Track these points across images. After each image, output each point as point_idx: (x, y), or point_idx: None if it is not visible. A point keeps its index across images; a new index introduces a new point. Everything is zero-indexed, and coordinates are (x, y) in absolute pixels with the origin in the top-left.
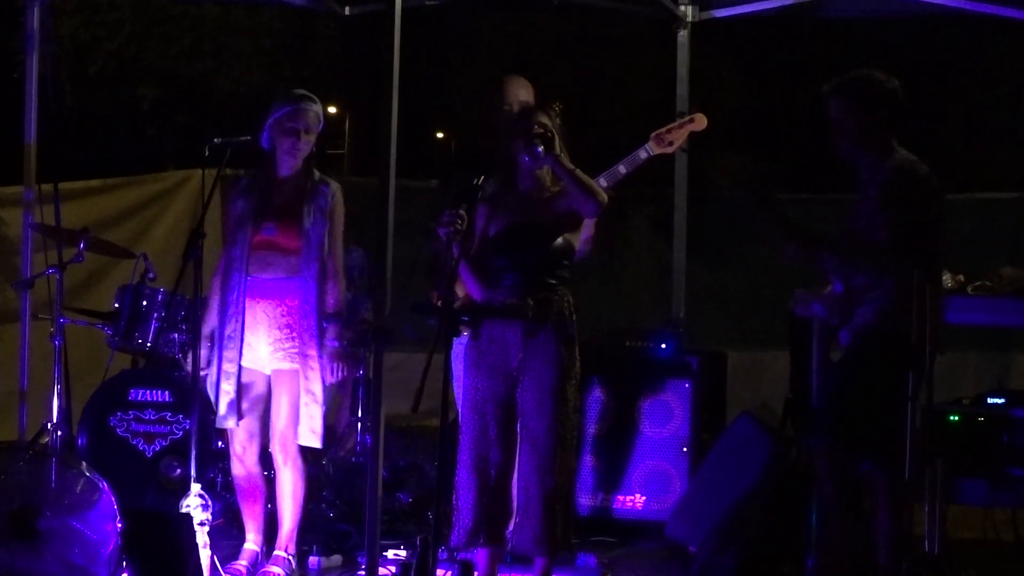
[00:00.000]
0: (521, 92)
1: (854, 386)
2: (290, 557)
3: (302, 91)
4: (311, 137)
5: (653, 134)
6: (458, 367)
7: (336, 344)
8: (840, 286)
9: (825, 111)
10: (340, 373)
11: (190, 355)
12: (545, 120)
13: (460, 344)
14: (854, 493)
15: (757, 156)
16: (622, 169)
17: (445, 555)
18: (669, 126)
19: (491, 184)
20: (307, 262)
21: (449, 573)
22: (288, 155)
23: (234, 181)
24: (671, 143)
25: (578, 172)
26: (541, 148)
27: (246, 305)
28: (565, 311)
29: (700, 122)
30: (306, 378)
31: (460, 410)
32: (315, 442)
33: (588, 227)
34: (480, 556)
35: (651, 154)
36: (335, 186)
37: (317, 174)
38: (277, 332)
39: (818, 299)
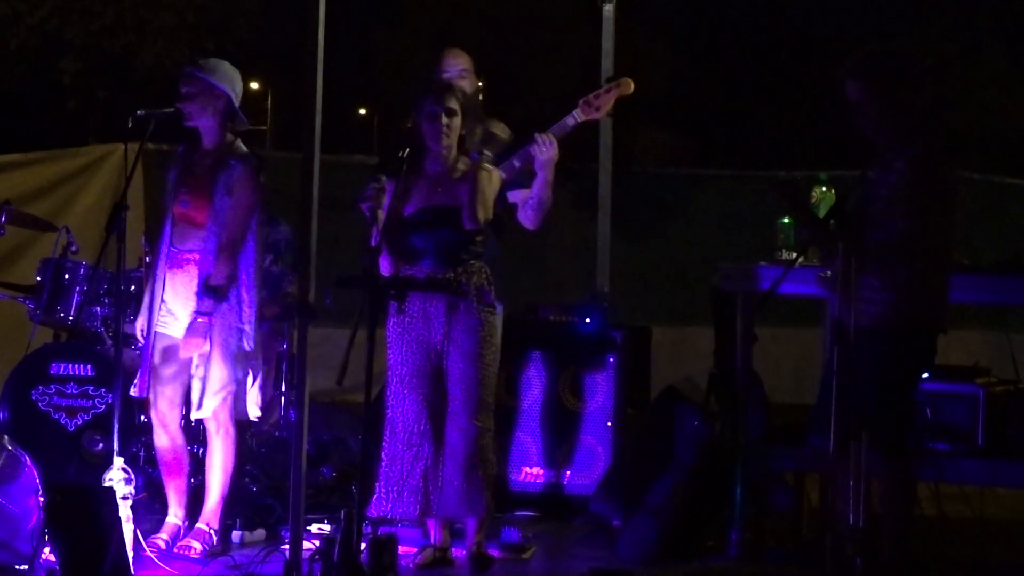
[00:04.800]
0: (457, 59)
1: (866, 385)
2: (212, 531)
3: (200, 60)
4: (201, 102)
5: (581, 100)
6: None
7: (202, 317)
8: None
9: (842, 92)
10: (194, 347)
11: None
12: (458, 109)
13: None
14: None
15: (681, 132)
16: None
17: (369, 529)
18: (596, 91)
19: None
20: (210, 238)
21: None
22: (188, 121)
23: (178, 160)
24: (598, 108)
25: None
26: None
27: (169, 275)
28: (484, 283)
29: (627, 86)
30: (201, 355)
31: (388, 384)
32: (199, 414)
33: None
34: (431, 526)
35: (578, 120)
36: (244, 159)
37: (239, 146)
38: (192, 303)
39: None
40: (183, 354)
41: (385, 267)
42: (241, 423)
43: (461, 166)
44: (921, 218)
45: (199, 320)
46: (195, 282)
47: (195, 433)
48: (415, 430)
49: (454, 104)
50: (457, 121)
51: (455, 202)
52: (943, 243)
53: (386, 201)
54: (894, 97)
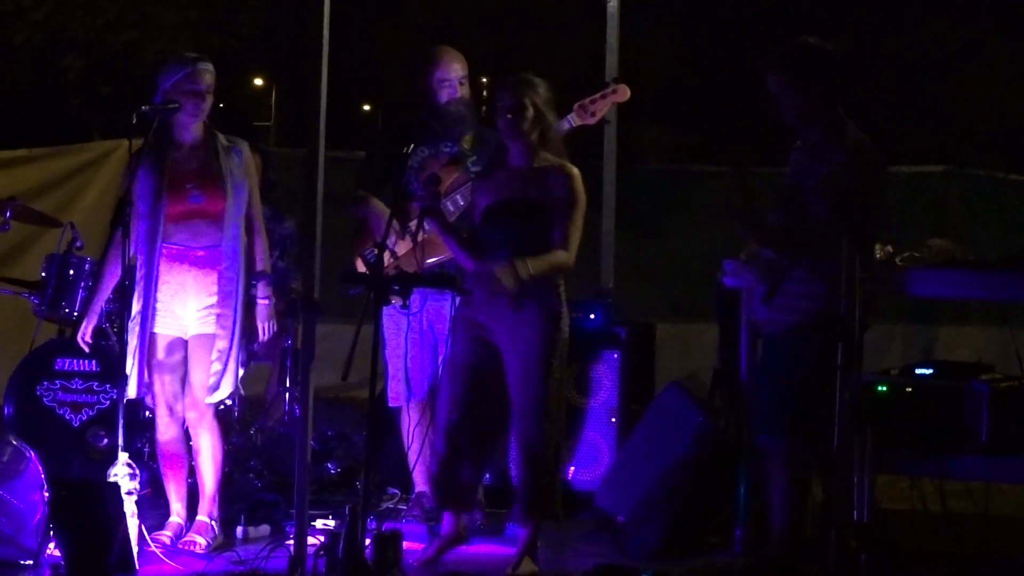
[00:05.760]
0: (455, 64)
1: (805, 382)
2: (213, 523)
3: (194, 54)
4: (210, 98)
5: (576, 104)
6: (389, 337)
7: (268, 301)
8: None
9: (764, 86)
10: (270, 330)
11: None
12: (529, 103)
13: (388, 315)
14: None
15: (686, 128)
16: None
17: (373, 524)
18: (592, 96)
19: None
20: (229, 223)
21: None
22: (191, 116)
23: (133, 156)
24: (593, 114)
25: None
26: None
27: (175, 273)
28: (547, 283)
29: (623, 93)
30: (220, 338)
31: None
32: (217, 396)
33: None
34: (446, 518)
35: (573, 125)
36: (243, 144)
37: (223, 136)
38: (208, 299)
39: (749, 265)
40: (261, 337)
41: (465, 262)
42: (246, 420)
43: (543, 162)
44: (853, 215)
45: (261, 303)
46: (210, 278)
47: None
48: (448, 422)
49: (526, 99)
50: (530, 114)
51: (532, 196)
52: (870, 237)
53: (455, 197)
54: (812, 86)
